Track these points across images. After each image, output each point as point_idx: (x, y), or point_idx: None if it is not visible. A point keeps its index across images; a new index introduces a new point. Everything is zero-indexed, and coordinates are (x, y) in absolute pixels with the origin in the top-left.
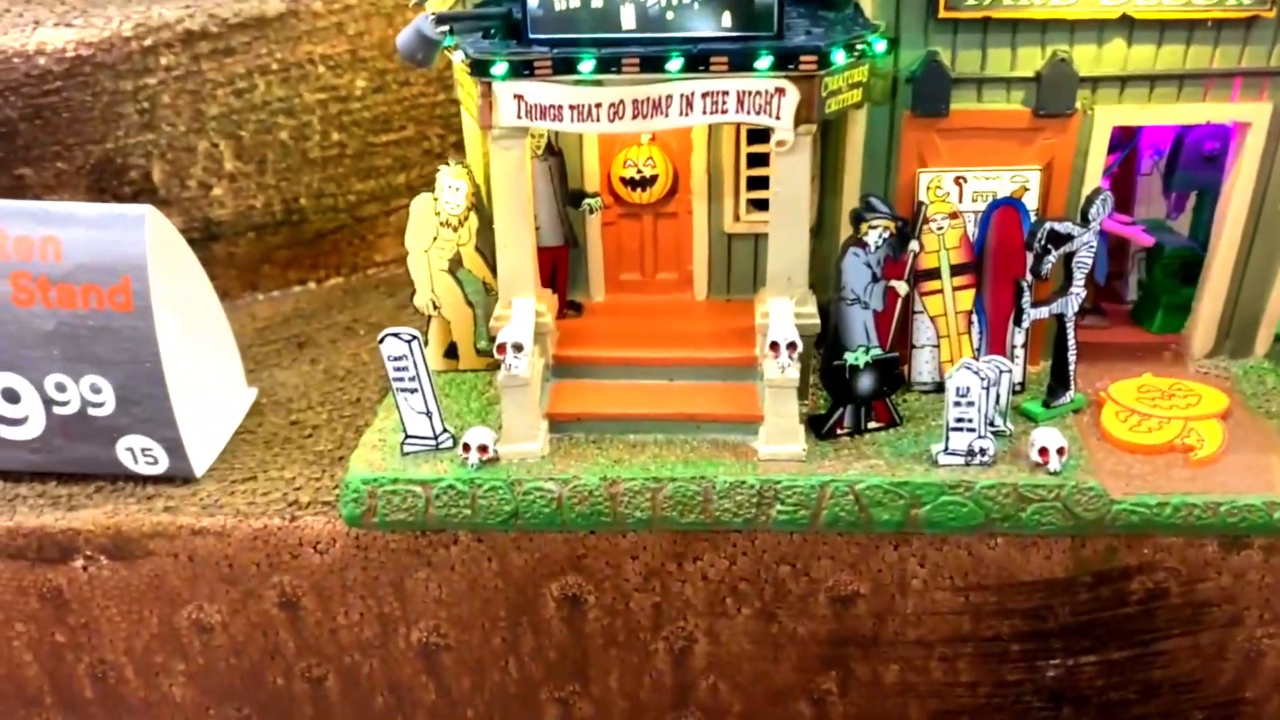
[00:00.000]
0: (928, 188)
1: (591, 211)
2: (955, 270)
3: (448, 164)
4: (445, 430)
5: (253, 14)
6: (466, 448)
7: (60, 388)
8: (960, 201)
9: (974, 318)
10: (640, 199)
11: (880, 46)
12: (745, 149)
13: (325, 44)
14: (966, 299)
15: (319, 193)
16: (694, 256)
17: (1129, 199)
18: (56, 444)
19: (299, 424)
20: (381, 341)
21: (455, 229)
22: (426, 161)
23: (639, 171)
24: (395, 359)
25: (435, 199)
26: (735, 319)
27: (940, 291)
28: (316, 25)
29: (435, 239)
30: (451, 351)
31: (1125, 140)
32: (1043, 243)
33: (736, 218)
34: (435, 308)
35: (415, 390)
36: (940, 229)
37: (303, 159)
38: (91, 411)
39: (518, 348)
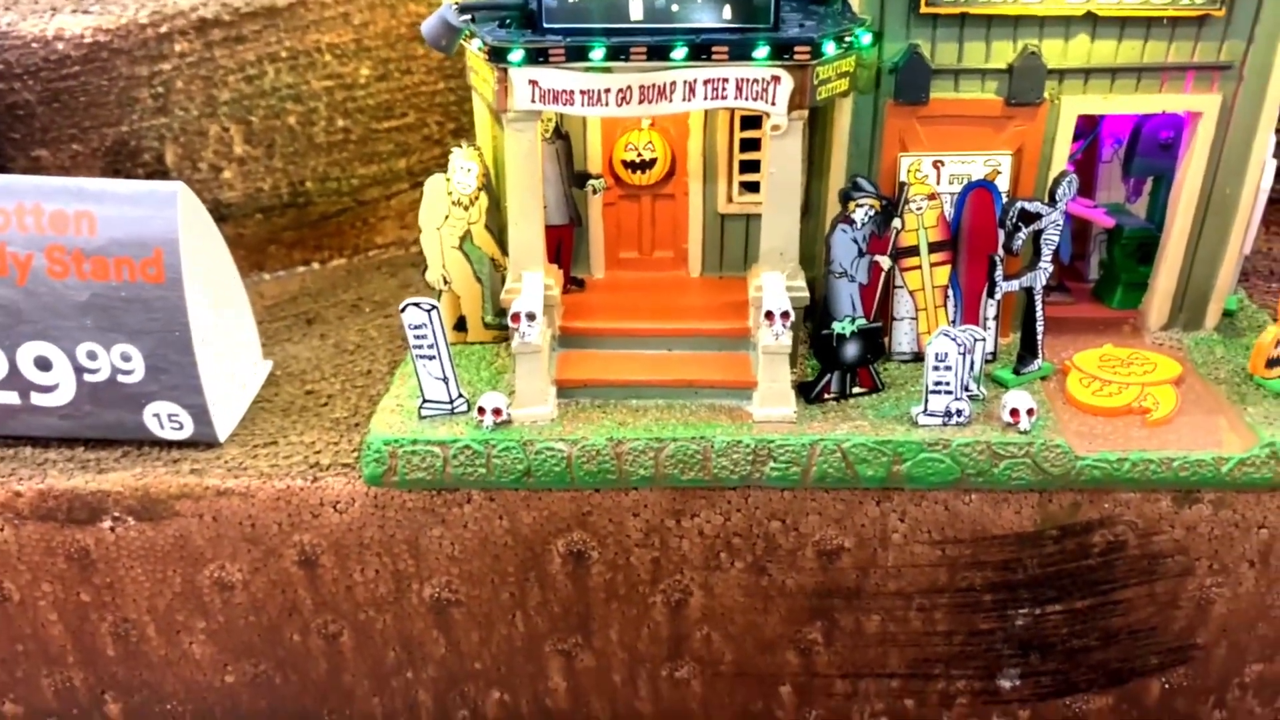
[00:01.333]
0: (908, 170)
1: (595, 192)
2: (933, 247)
3: (460, 146)
4: (460, 395)
5: (264, 3)
6: (482, 411)
7: (91, 356)
8: (938, 183)
9: (950, 292)
10: (640, 181)
11: (866, 39)
12: (739, 135)
13: (332, 33)
14: (943, 274)
15: (324, 176)
16: (689, 236)
17: (1091, 184)
18: (86, 410)
19: (314, 394)
20: (403, 310)
21: (467, 208)
22: (426, 148)
23: (639, 155)
24: (416, 327)
25: (448, 179)
26: (728, 294)
27: (919, 267)
28: (324, 15)
29: (447, 217)
30: (460, 325)
31: (1088, 129)
32: (1014, 220)
33: (729, 199)
34: (446, 283)
35: (433, 357)
36: (919, 209)
37: (309, 144)
38: (121, 379)
39: (530, 317)
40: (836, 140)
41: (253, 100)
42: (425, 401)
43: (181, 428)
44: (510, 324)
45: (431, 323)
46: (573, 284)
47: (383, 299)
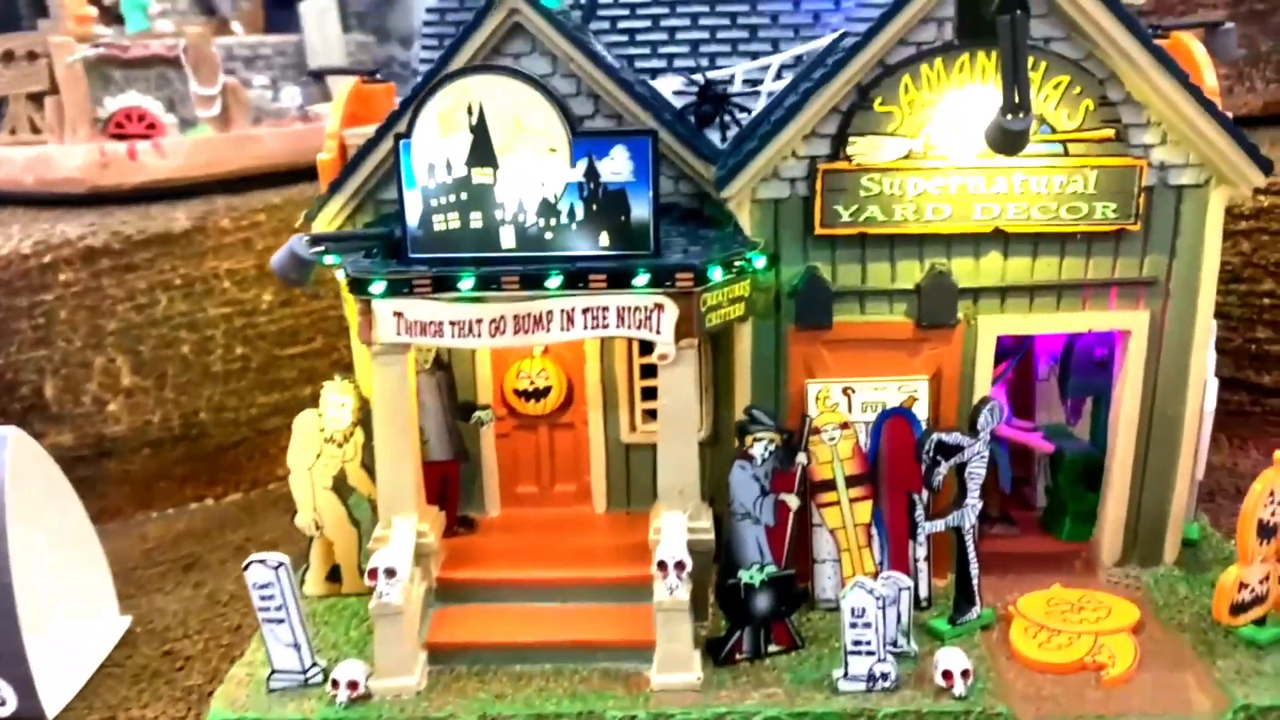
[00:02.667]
0: (816, 398)
1: (482, 424)
2: (851, 481)
3: (333, 379)
4: (315, 664)
5: (157, 230)
6: (335, 683)
7: None
8: (850, 412)
9: (873, 530)
10: (535, 410)
11: (760, 263)
12: (638, 360)
13: (232, 259)
14: (864, 511)
15: (220, 406)
16: (592, 468)
17: (1029, 405)
18: None
19: (171, 655)
20: (246, 569)
21: (340, 445)
22: (333, 373)
23: (532, 383)
24: (261, 587)
25: (320, 415)
26: (635, 533)
27: (837, 503)
28: (223, 241)
29: (319, 456)
30: (335, 575)
31: (1017, 347)
32: (931, 454)
33: (633, 428)
34: (318, 528)
35: (282, 620)
36: (832, 440)
37: (204, 373)
38: None
39: (390, 573)
40: (739, 368)
41: (143, 329)
42: (274, 672)
43: (4, 703)
44: (367, 581)
45: (280, 581)
46: (461, 525)
47: (273, 539)
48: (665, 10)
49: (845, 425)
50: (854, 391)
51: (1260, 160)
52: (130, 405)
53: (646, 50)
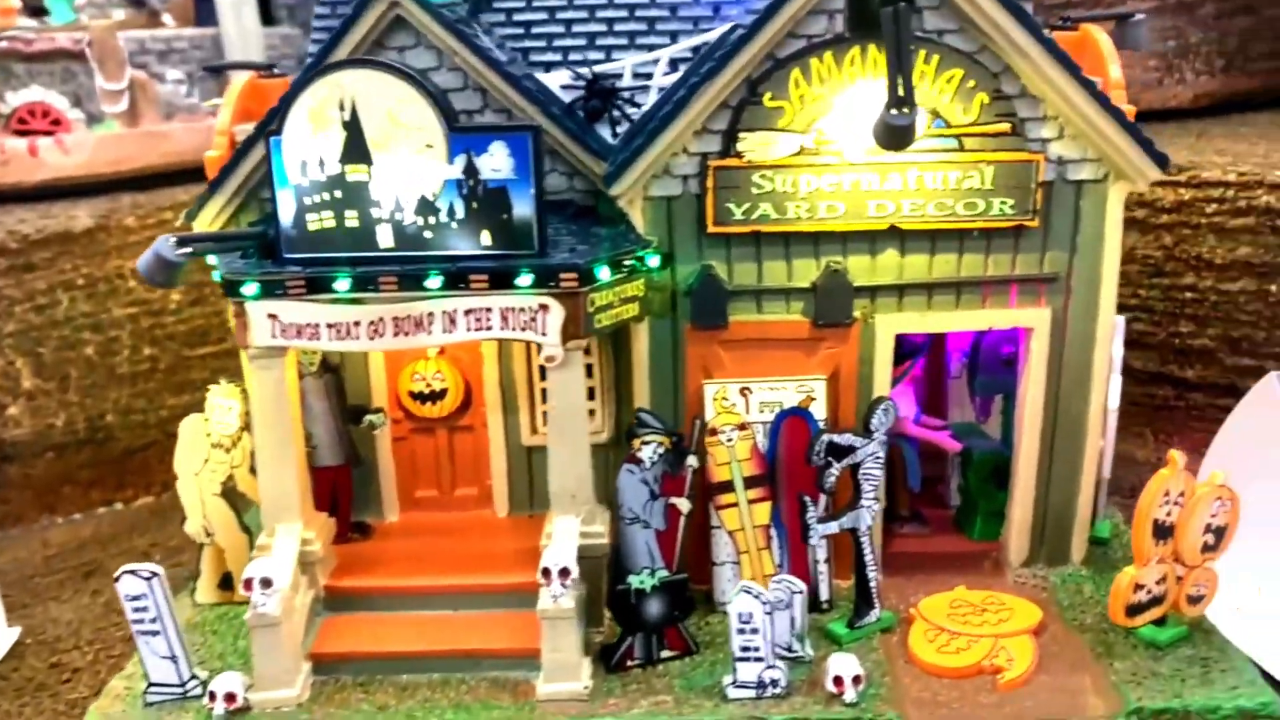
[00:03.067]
0: (713, 399)
1: (374, 429)
2: (749, 483)
3: (218, 383)
4: (194, 676)
5: (57, 229)
6: (212, 696)
7: None
8: (747, 412)
9: (773, 532)
10: (431, 413)
11: (654, 261)
12: (537, 361)
13: (136, 258)
14: (763, 512)
15: (127, 409)
16: (493, 471)
17: (942, 402)
18: None
19: (59, 667)
20: (118, 580)
21: (228, 450)
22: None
23: (428, 385)
24: (134, 598)
25: (206, 420)
26: (536, 537)
27: (736, 505)
28: (128, 240)
29: (206, 461)
30: (226, 582)
31: (924, 344)
32: (822, 456)
33: (534, 430)
34: (208, 535)
35: (158, 632)
36: (730, 441)
37: (110, 375)
38: None
39: (266, 583)
40: (636, 368)
41: (43, 331)
42: (151, 685)
43: None
44: (243, 591)
45: (153, 593)
46: (355, 532)
47: (180, 543)
48: (562, 3)
49: (743, 426)
50: (751, 392)
51: (1156, 155)
52: (32, 409)
53: (542, 43)
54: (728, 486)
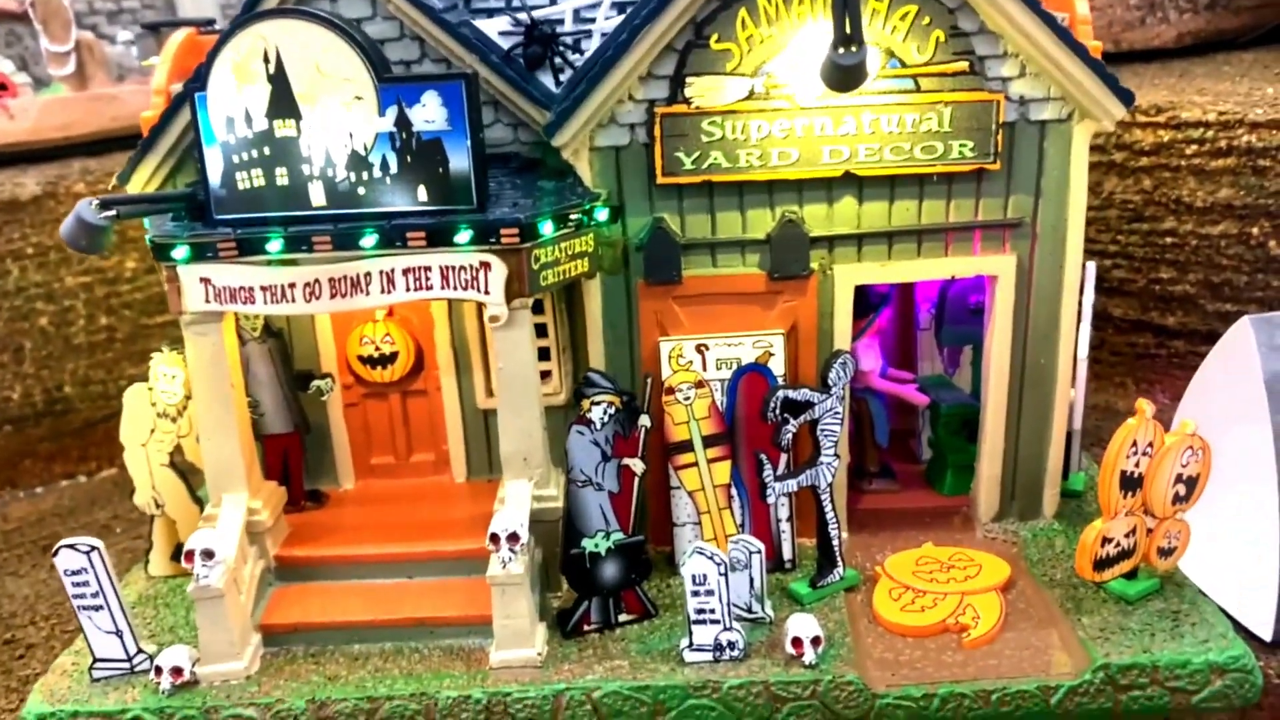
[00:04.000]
0: (669, 356)
1: (322, 395)
2: (708, 441)
3: (161, 350)
4: (140, 651)
5: (3, 198)
6: (159, 670)
7: None
8: (705, 369)
9: (734, 491)
10: (383, 377)
11: (602, 215)
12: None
13: None
14: (723, 471)
15: (86, 380)
16: (449, 436)
17: (910, 354)
18: None
19: (13, 643)
20: (55, 555)
21: (174, 419)
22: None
23: (377, 349)
24: (73, 573)
25: (150, 389)
26: (494, 502)
27: (695, 465)
28: None
29: (153, 432)
30: (179, 554)
31: (889, 295)
32: (777, 412)
33: (489, 393)
34: (158, 506)
35: (100, 607)
36: (687, 399)
37: (66, 345)
38: None
39: (207, 554)
40: (590, 326)
41: None
42: (97, 661)
43: None
44: (184, 563)
45: (93, 566)
46: (309, 500)
47: (141, 515)
48: None
49: (700, 384)
50: (708, 348)
51: (1120, 92)
52: None
53: None
54: (686, 446)
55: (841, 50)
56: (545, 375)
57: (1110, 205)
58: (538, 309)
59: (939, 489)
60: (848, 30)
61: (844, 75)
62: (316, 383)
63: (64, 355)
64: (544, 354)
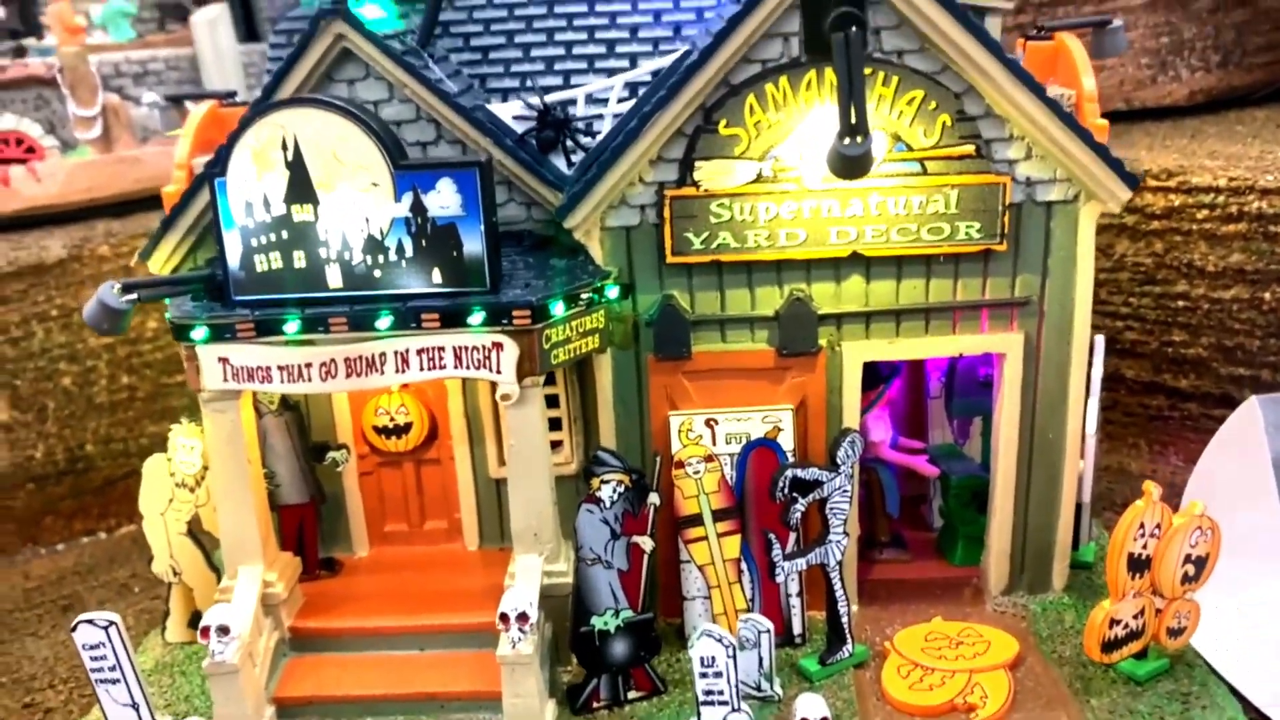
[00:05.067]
0: (679, 431)
1: (337, 466)
2: (718, 515)
3: (180, 423)
4: None
5: (30, 261)
6: None
7: None
8: (714, 444)
9: (744, 565)
10: (397, 447)
11: (613, 293)
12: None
13: None
14: (733, 545)
15: (107, 438)
16: (461, 504)
17: (921, 423)
18: None
19: (32, 707)
20: (74, 630)
21: (192, 489)
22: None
23: (392, 419)
24: (91, 648)
25: (169, 459)
26: (506, 571)
27: (705, 539)
28: (102, 269)
29: (171, 501)
30: (197, 620)
31: (897, 365)
32: (785, 491)
33: (501, 462)
34: (175, 574)
35: (118, 680)
36: (697, 473)
37: (88, 405)
38: None
39: (223, 630)
40: (601, 400)
41: (18, 363)
42: None
43: None
44: (200, 639)
45: (110, 640)
46: (323, 568)
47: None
48: (520, 26)
49: (710, 458)
50: (717, 423)
51: (1125, 175)
52: (10, 440)
53: (500, 69)
54: (696, 520)
55: (847, 140)
56: (556, 445)
57: (1122, 268)
58: (550, 380)
59: (950, 559)
60: (853, 120)
61: (849, 164)
62: (332, 454)
63: (86, 414)
64: (556, 423)
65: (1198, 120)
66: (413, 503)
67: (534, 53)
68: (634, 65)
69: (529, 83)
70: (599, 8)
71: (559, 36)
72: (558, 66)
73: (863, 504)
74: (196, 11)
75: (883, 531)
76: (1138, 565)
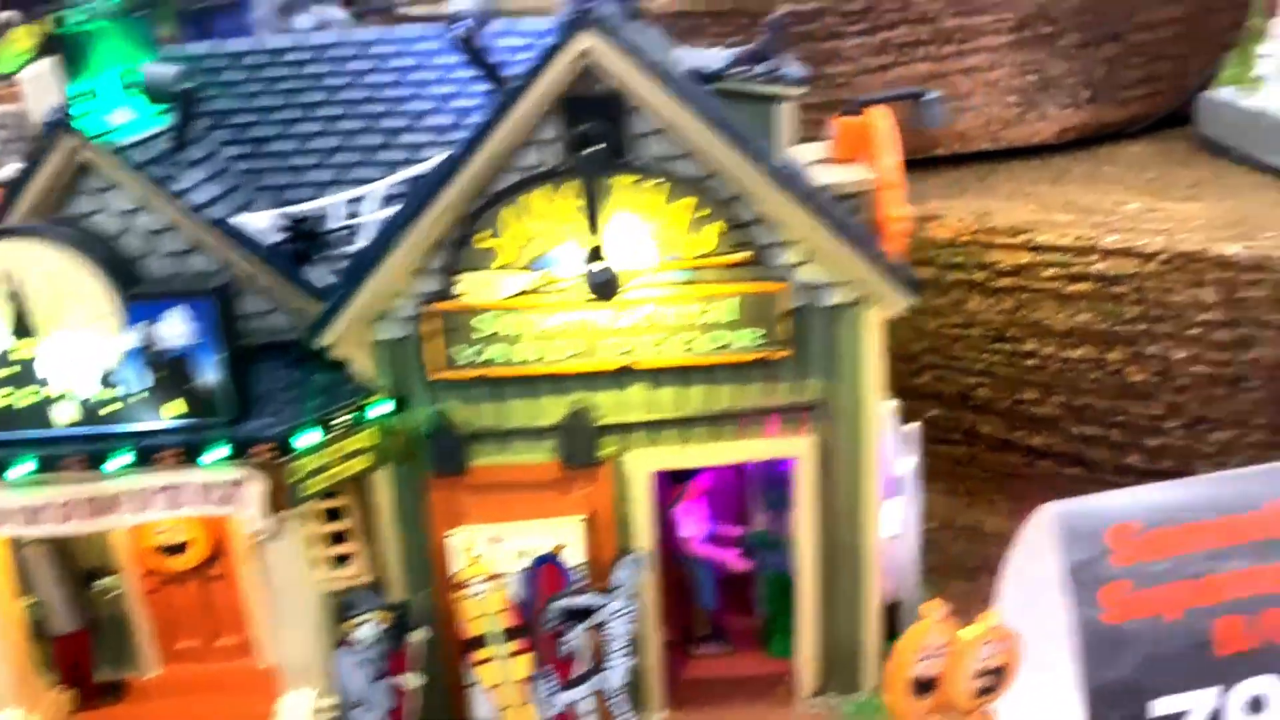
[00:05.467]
0: (462, 549)
1: (107, 593)
2: (507, 635)
3: None
4: None
5: None
6: None
7: None
8: (500, 561)
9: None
10: (179, 565)
11: (382, 410)
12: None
13: None
14: (524, 665)
15: None
16: (253, 620)
17: (743, 507)
18: None
19: None
20: None
21: None
22: None
23: (169, 538)
24: None
25: None
26: None
27: (492, 659)
28: None
29: None
30: None
31: None
32: (554, 624)
33: None
34: None
35: None
36: (479, 594)
37: None
38: None
39: None
40: (384, 520)
41: None
42: None
43: None
44: None
45: None
46: (106, 694)
47: None
48: (298, 114)
49: (493, 577)
50: (501, 540)
51: (905, 283)
52: None
53: (276, 162)
54: (482, 641)
55: (592, 265)
56: (346, 559)
57: (974, 324)
58: (331, 493)
59: (768, 650)
60: (597, 242)
61: (600, 287)
62: (100, 582)
63: None
64: (339, 538)
65: (1068, 158)
66: (203, 619)
67: (311, 145)
68: (416, 155)
69: (306, 178)
70: (384, 94)
71: (340, 125)
72: (336, 159)
73: (677, 601)
74: (26, 69)
75: (702, 625)
76: (924, 687)
